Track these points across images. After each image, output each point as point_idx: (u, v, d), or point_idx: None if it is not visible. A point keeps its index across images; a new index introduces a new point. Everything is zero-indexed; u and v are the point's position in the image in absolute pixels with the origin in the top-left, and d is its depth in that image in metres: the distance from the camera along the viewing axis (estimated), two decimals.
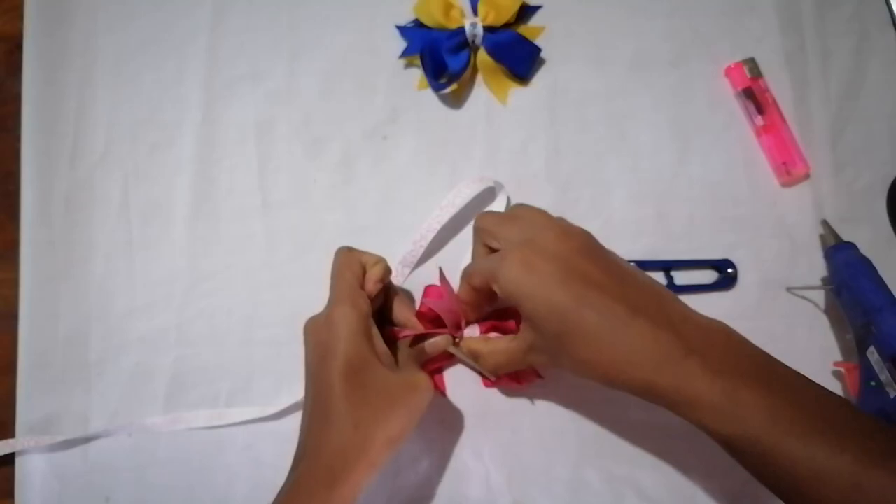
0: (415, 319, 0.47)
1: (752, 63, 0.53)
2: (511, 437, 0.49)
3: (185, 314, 0.51)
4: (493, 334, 0.47)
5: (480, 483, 0.48)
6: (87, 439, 0.49)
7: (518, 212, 0.43)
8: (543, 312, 0.37)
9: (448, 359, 0.49)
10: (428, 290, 0.50)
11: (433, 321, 0.47)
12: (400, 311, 0.47)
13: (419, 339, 0.46)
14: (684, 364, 0.35)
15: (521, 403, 0.49)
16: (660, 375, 0.35)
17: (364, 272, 0.45)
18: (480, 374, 0.49)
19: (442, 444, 0.48)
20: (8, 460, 0.49)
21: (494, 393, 0.49)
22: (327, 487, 0.38)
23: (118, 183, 0.53)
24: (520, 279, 0.38)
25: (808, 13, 0.54)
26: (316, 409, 0.40)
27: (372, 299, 0.44)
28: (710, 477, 0.47)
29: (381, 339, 0.42)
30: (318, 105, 0.54)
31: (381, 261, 0.46)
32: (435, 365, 0.49)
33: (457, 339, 0.47)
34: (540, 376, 0.48)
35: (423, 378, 0.42)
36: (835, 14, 0.54)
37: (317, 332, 0.42)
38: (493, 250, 0.43)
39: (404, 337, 0.46)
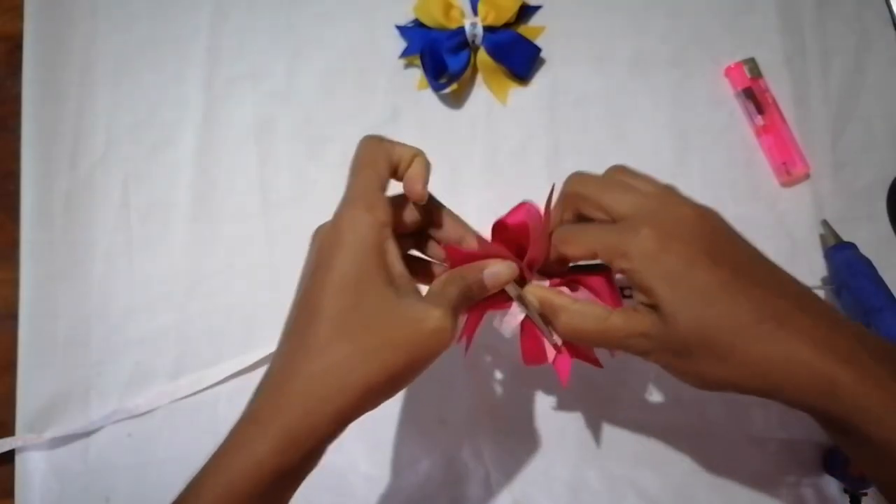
0: (472, 238, 0.37)
1: (752, 63, 0.53)
2: (511, 437, 0.48)
3: (186, 314, 0.51)
4: (563, 289, 0.38)
5: (480, 483, 0.48)
6: (87, 434, 0.49)
7: (626, 179, 0.37)
8: (684, 297, 0.31)
9: (496, 304, 0.38)
10: (520, 207, 0.37)
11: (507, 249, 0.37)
12: (452, 227, 0.37)
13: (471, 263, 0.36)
14: (876, 370, 0.29)
15: (521, 403, 0.49)
16: (844, 374, 0.29)
17: (391, 170, 0.35)
18: (523, 341, 0.39)
19: (442, 444, 0.48)
20: (8, 460, 0.49)
21: (495, 393, 0.49)
22: (273, 439, 0.30)
23: (118, 183, 0.53)
24: (658, 255, 0.32)
25: (808, 13, 0.54)
26: (294, 330, 0.32)
27: (401, 209, 0.35)
28: (711, 477, 0.47)
29: (399, 258, 0.34)
30: (318, 105, 0.54)
31: (419, 154, 0.36)
32: (476, 310, 0.38)
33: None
34: (600, 365, 0.39)
35: (437, 314, 0.32)
36: (835, 14, 0.54)
37: (320, 239, 0.34)
38: (583, 220, 0.37)
39: (456, 260, 0.36)
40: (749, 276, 0.32)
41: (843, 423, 0.30)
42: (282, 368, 0.32)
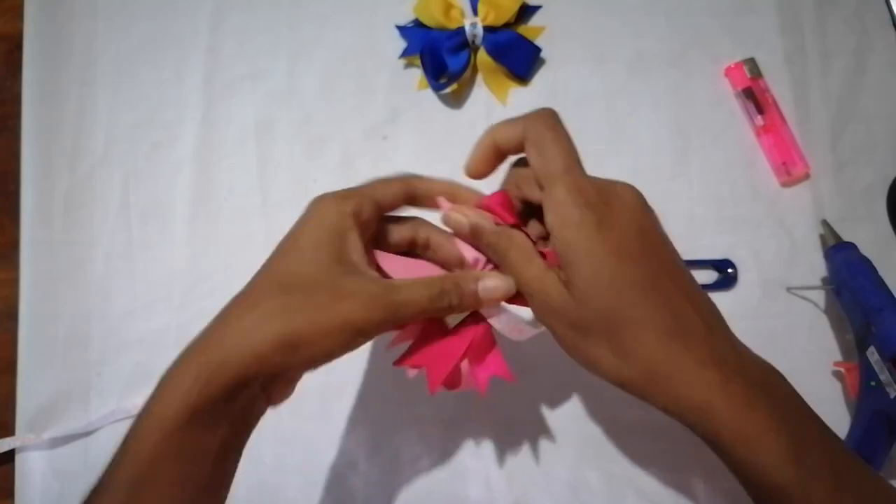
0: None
1: (752, 63, 0.53)
2: (511, 437, 0.48)
3: (185, 314, 0.51)
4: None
5: (480, 483, 0.48)
6: (87, 434, 0.49)
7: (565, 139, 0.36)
8: (603, 282, 0.31)
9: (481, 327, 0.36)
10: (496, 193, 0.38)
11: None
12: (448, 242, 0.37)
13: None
14: (746, 396, 0.30)
15: (521, 403, 0.49)
16: (718, 399, 0.30)
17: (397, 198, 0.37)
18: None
19: (442, 444, 0.48)
20: (8, 460, 0.49)
21: (495, 393, 0.49)
22: (195, 371, 0.31)
23: (118, 183, 0.53)
24: (585, 231, 0.31)
25: (808, 13, 0.54)
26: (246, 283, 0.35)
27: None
28: (710, 477, 0.47)
29: (359, 248, 0.34)
30: (318, 105, 0.54)
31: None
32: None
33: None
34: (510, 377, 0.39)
35: (366, 292, 0.32)
36: (835, 14, 0.54)
37: (299, 217, 0.37)
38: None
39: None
40: (671, 279, 0.32)
41: (712, 442, 0.31)
42: (216, 315, 0.33)
